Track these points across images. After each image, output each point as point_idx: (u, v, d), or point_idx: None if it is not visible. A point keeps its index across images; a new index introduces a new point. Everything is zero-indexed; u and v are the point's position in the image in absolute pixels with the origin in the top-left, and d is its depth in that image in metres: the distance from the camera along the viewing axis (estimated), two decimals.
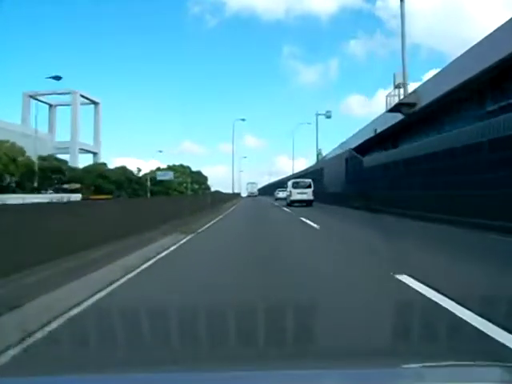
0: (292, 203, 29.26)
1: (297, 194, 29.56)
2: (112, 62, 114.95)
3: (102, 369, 1.97)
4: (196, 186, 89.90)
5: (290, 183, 32.31)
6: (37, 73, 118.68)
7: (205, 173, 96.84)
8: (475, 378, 1.43)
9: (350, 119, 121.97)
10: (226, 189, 72.23)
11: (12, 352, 3.18)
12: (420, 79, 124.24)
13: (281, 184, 56.54)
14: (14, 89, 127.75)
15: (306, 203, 28.91)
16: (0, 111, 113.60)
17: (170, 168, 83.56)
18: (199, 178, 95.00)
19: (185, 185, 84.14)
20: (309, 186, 30.05)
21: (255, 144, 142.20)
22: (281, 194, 44.02)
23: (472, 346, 3.23)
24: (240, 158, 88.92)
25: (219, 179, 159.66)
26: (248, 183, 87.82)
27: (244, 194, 75.75)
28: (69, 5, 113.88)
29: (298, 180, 33.28)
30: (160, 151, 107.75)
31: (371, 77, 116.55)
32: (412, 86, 24.59)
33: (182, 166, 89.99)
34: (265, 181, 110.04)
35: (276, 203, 37.09)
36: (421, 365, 1.62)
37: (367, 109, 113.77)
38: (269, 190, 66.57)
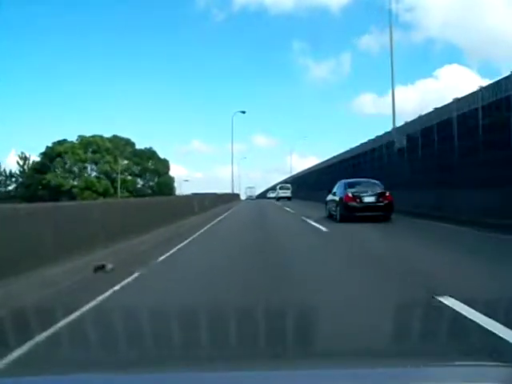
0: (279, 199, 47.27)
1: (281, 193, 49.06)
2: (110, 58, 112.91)
3: (101, 369, 2.02)
4: (142, 182, 57.85)
5: (278, 186, 53.24)
6: None
7: (213, 173, 73.60)
8: (476, 377, 1.47)
9: (362, 117, 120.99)
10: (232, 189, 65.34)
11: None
12: (432, 75, 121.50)
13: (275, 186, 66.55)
14: None
15: (287, 198, 46.74)
16: None
17: (83, 138, 54.11)
18: (158, 167, 60.63)
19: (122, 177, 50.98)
20: (288, 189, 50.13)
21: (266, 143, 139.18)
22: (271, 195, 59.06)
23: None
24: (244, 158, 79.41)
25: (228, 180, 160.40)
26: (247, 187, 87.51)
27: (243, 197, 74.05)
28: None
29: (282, 185, 53.94)
30: None
31: (384, 73, 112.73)
32: None
33: (115, 137, 57.04)
34: (274, 179, 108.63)
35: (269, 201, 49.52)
36: (421, 364, 1.70)
37: (379, 107, 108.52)
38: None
